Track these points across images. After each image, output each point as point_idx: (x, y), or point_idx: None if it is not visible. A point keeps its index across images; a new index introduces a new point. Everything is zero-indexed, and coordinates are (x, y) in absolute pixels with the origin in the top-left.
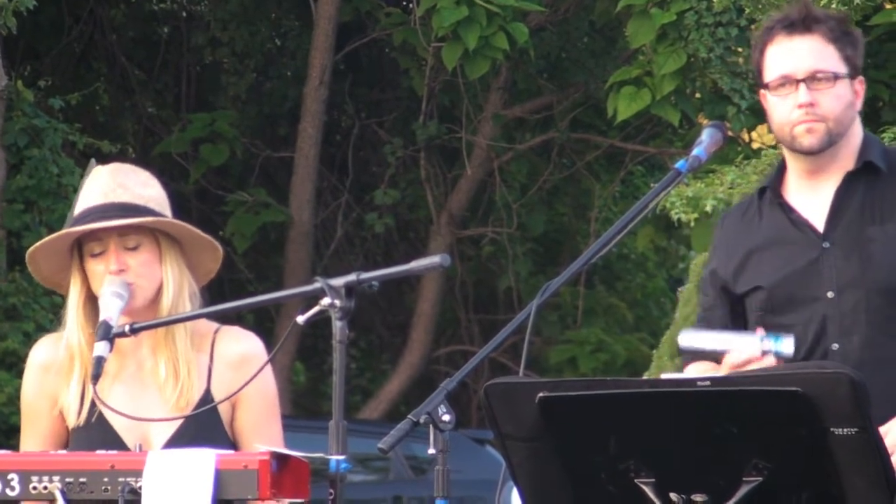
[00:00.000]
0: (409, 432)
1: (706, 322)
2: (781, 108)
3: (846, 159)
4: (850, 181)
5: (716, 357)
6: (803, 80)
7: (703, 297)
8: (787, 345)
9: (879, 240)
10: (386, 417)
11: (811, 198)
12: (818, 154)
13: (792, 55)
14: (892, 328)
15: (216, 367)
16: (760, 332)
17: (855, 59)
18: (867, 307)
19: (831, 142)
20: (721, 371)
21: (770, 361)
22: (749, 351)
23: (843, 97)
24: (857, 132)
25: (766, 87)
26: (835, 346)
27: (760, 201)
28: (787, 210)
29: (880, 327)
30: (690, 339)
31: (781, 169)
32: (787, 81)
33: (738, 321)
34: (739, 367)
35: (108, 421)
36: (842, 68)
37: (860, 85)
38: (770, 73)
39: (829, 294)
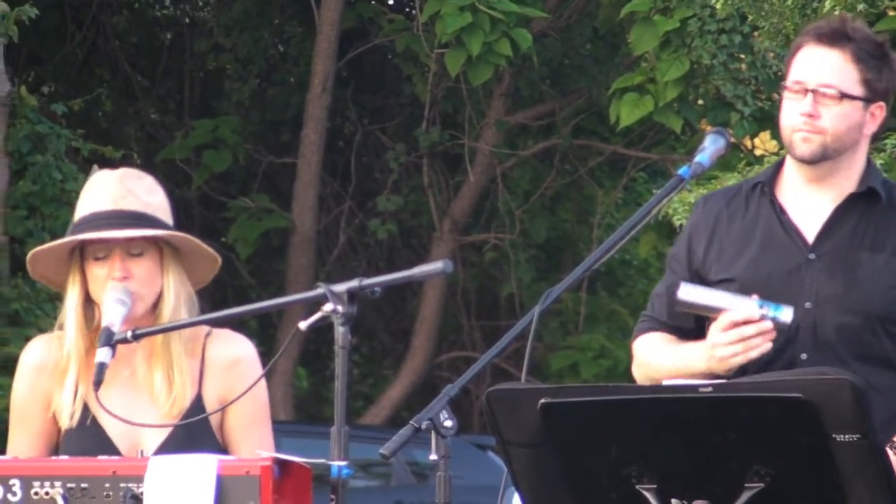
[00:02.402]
0: (410, 438)
1: (669, 298)
2: (789, 111)
3: (847, 179)
4: (850, 202)
5: (710, 314)
6: (812, 90)
7: (671, 274)
8: (786, 314)
9: (867, 266)
10: (388, 423)
11: (806, 206)
12: (812, 164)
13: (811, 64)
14: (860, 349)
15: (207, 371)
16: (756, 297)
17: (878, 84)
18: (842, 325)
19: (825, 156)
20: (713, 329)
21: (767, 325)
22: (748, 312)
23: (849, 117)
24: (861, 156)
25: (784, 86)
26: (804, 355)
27: (751, 193)
28: (779, 211)
29: (851, 347)
30: (690, 293)
31: (778, 167)
32: (800, 88)
33: None
34: (737, 326)
35: (102, 426)
36: (855, 90)
37: (879, 110)
38: (790, 75)
39: (807, 304)
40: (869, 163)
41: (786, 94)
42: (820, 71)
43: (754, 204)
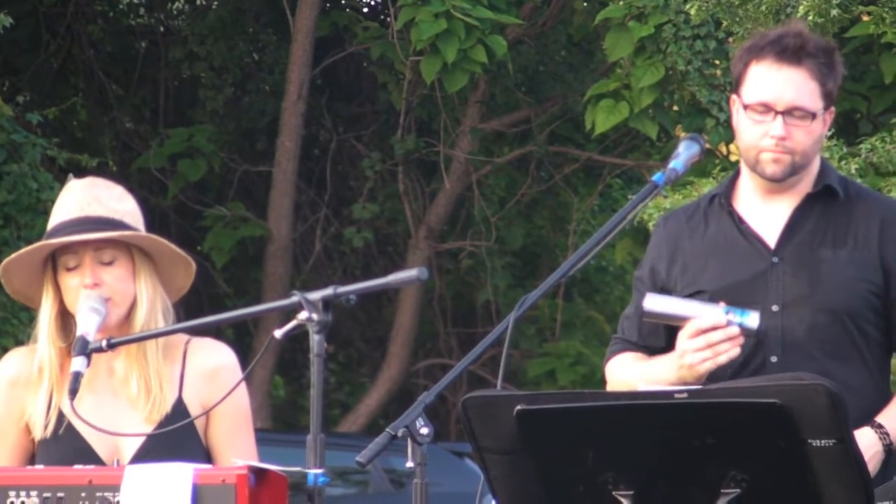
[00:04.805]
0: (387, 445)
1: (638, 319)
2: (753, 131)
3: (804, 182)
4: (807, 202)
5: (677, 323)
6: (782, 112)
7: (638, 296)
8: (752, 319)
9: (830, 262)
10: (365, 431)
11: (764, 212)
12: (780, 182)
13: (776, 85)
14: (831, 347)
15: (188, 376)
16: (723, 305)
17: (833, 92)
18: (811, 324)
19: (794, 172)
20: (680, 336)
21: (734, 330)
22: (714, 318)
23: (815, 132)
24: (817, 159)
25: (743, 104)
26: (773, 358)
27: (709, 207)
28: (737, 220)
29: (821, 345)
30: (656, 302)
31: (734, 178)
32: (766, 109)
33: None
34: (704, 332)
35: (79, 432)
36: (820, 104)
37: (829, 115)
38: (750, 92)
39: (774, 307)
40: (822, 162)
41: (746, 113)
42: (787, 92)
43: (714, 217)
